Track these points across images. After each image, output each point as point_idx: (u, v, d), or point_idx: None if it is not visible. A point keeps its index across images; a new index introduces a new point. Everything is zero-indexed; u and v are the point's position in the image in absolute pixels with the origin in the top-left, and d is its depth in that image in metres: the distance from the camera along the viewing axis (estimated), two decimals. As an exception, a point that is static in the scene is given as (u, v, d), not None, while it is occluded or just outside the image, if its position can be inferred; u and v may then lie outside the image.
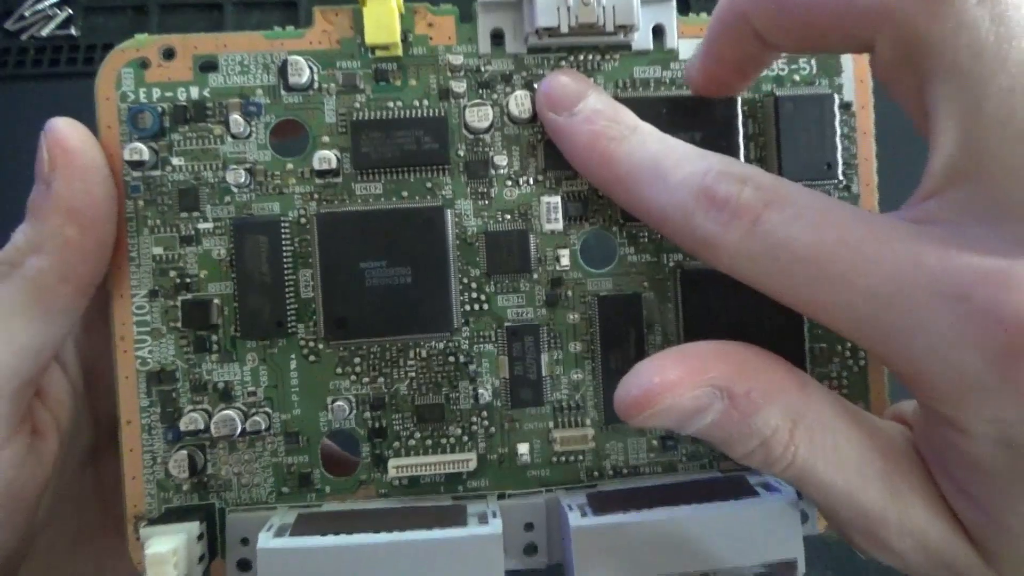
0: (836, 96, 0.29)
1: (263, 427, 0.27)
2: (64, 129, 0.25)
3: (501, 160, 0.28)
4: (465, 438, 0.28)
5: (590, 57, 0.28)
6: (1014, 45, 0.18)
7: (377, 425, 0.28)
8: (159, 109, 0.27)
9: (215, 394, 0.27)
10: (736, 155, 0.28)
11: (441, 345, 0.28)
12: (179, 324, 0.27)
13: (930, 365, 0.19)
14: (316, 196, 0.27)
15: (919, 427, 0.22)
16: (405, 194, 0.28)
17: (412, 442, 0.28)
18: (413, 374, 0.28)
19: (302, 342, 0.27)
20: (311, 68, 0.27)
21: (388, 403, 0.28)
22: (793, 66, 0.29)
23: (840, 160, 0.28)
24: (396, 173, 0.28)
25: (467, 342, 0.28)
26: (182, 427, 0.27)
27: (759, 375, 0.22)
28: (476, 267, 0.28)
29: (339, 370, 0.28)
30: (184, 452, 0.27)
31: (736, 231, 0.21)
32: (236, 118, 0.27)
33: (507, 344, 0.28)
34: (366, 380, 0.28)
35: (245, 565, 0.27)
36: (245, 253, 0.27)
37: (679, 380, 0.21)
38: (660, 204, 0.23)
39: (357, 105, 0.28)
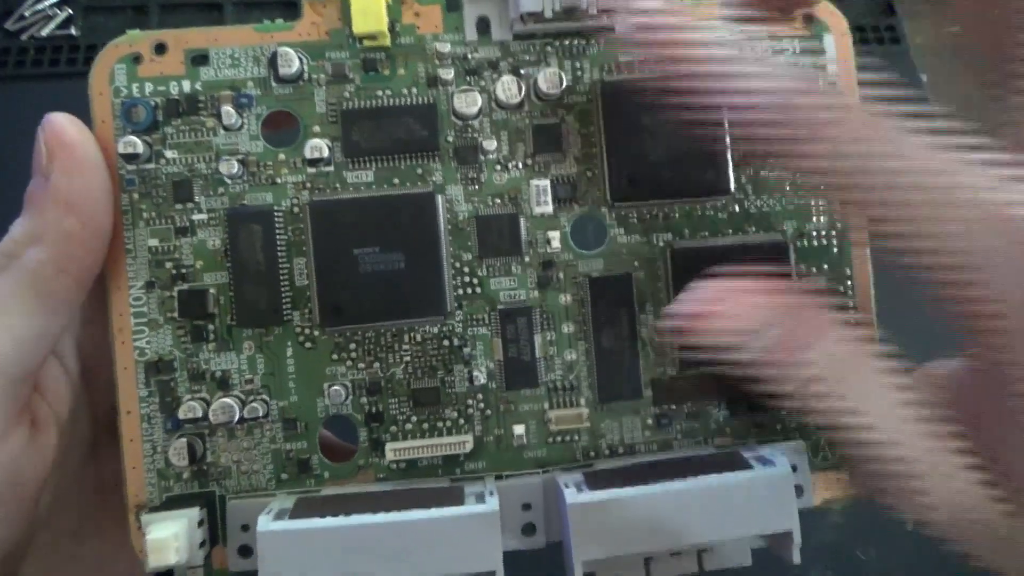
0: (820, 75, 0.29)
1: (261, 414, 0.27)
2: (61, 123, 0.25)
3: (490, 145, 0.28)
4: (461, 421, 0.28)
5: (575, 42, 0.29)
6: None
7: (374, 410, 0.28)
8: (152, 103, 0.27)
9: (213, 383, 0.27)
10: (722, 138, 0.28)
11: (435, 329, 0.28)
12: (176, 314, 0.27)
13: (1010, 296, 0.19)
14: (308, 185, 0.28)
15: (964, 379, 0.23)
16: (396, 181, 0.28)
17: (409, 426, 0.28)
18: (408, 358, 0.28)
19: (298, 329, 0.28)
20: (301, 59, 0.28)
21: (384, 388, 0.28)
22: (777, 47, 0.29)
23: (825, 137, 0.29)
24: (387, 160, 0.28)
25: (461, 325, 0.28)
26: (181, 416, 0.27)
27: (811, 312, 0.22)
28: (468, 251, 0.28)
29: (335, 356, 0.28)
30: (183, 440, 0.27)
31: (850, 122, 0.20)
32: (228, 110, 0.27)
33: (500, 327, 0.28)
34: (362, 365, 0.28)
35: (246, 551, 0.27)
36: (240, 243, 0.27)
37: (739, 297, 0.22)
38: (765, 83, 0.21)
39: (347, 95, 0.28)
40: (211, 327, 0.28)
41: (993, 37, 0.21)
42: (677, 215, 0.29)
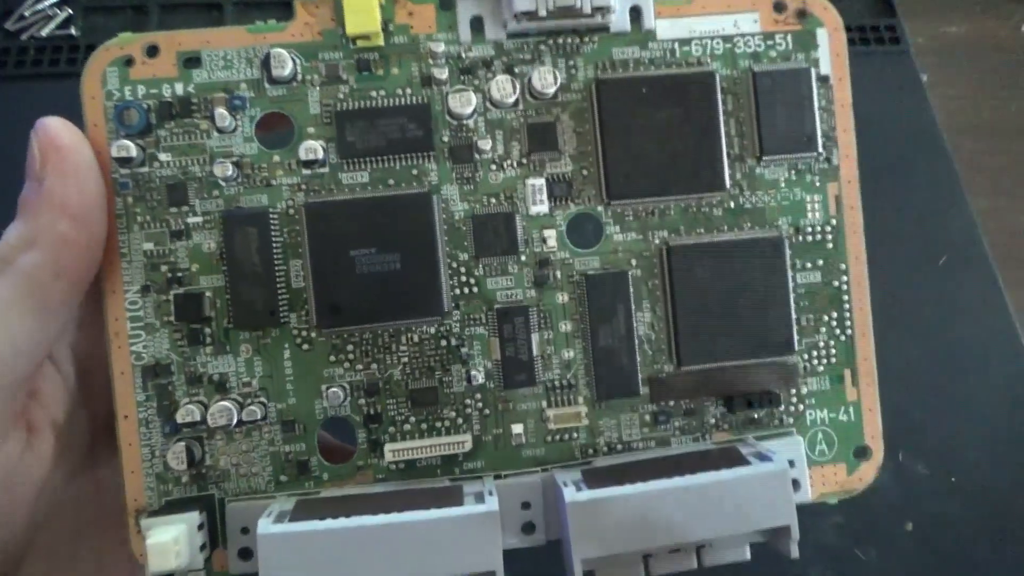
0: (813, 70, 0.29)
1: (259, 416, 0.27)
2: (54, 127, 0.25)
3: (485, 144, 0.28)
4: (460, 420, 0.28)
5: (569, 40, 0.29)
6: None
7: (372, 411, 0.28)
8: (145, 106, 0.27)
9: (211, 386, 0.27)
10: (716, 132, 0.28)
11: (432, 329, 0.28)
12: (172, 318, 0.27)
13: None
14: (303, 187, 0.28)
15: None
16: (392, 181, 0.28)
17: (407, 426, 0.28)
18: (406, 359, 0.28)
19: (295, 331, 0.28)
20: (294, 60, 0.27)
21: (382, 388, 0.28)
22: (770, 42, 0.29)
23: (820, 133, 0.29)
24: (382, 161, 0.28)
25: (458, 325, 0.28)
26: (179, 419, 0.27)
27: None
28: (464, 251, 0.28)
29: (332, 358, 0.28)
30: (182, 444, 0.27)
31: None
32: (221, 112, 0.27)
33: (498, 326, 0.28)
34: (359, 367, 0.28)
35: (247, 554, 0.27)
36: (235, 245, 0.27)
37: None
38: None
39: (341, 95, 0.28)
40: (208, 330, 0.27)
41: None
42: (673, 212, 0.29)
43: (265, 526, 0.24)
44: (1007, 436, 0.47)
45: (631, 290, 0.28)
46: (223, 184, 0.27)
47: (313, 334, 0.28)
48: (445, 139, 0.28)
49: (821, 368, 0.29)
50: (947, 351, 0.48)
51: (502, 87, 0.28)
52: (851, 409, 0.29)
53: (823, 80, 0.29)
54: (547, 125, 0.28)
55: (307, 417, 0.28)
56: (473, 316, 0.28)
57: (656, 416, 0.29)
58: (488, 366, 0.28)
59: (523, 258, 0.28)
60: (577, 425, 0.28)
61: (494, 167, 0.28)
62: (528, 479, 0.28)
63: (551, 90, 0.28)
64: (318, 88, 0.28)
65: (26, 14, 0.50)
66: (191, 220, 0.27)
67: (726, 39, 0.29)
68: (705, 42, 0.29)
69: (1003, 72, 0.60)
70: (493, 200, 0.28)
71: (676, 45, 0.29)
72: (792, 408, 0.29)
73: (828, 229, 0.29)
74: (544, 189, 0.28)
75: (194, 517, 0.26)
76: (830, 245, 0.29)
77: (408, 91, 0.28)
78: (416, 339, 0.28)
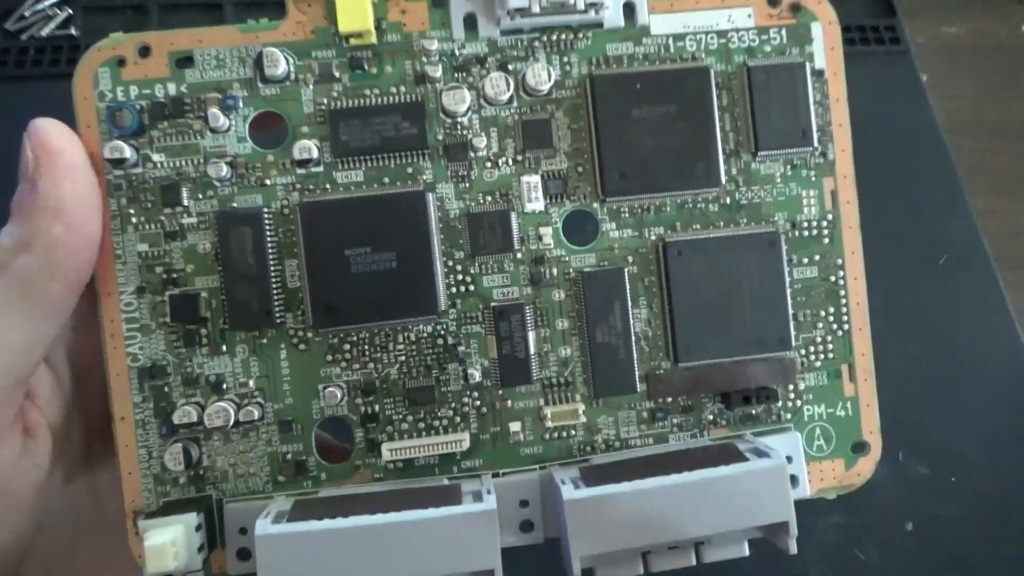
0: (808, 64, 0.29)
1: (256, 417, 0.27)
2: (47, 129, 0.25)
3: (480, 142, 0.28)
4: (457, 419, 0.28)
5: (563, 36, 0.28)
6: None
7: (369, 410, 0.28)
8: (137, 106, 0.27)
9: (207, 387, 0.27)
10: (711, 128, 0.28)
11: (429, 328, 0.28)
12: (168, 319, 0.27)
13: None
14: (298, 186, 0.28)
15: None
16: (386, 180, 0.28)
17: (405, 425, 0.28)
18: (403, 358, 0.28)
19: (291, 331, 0.28)
20: (287, 59, 0.27)
21: (379, 388, 0.28)
22: (764, 36, 0.29)
23: (815, 127, 0.29)
24: (376, 160, 0.28)
25: (454, 324, 0.28)
26: (176, 421, 0.27)
27: None
28: (460, 249, 0.28)
29: (329, 357, 0.28)
30: (179, 445, 0.27)
31: None
32: (215, 112, 0.27)
33: (494, 324, 0.28)
34: (356, 366, 0.28)
35: (245, 554, 0.27)
36: (230, 246, 0.27)
37: None
38: None
39: (334, 94, 0.28)
40: (204, 331, 0.27)
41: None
42: (668, 208, 0.29)
43: (263, 527, 0.24)
44: (1007, 436, 0.47)
45: (627, 287, 0.28)
46: (217, 184, 0.27)
47: (310, 334, 0.28)
48: (439, 137, 0.28)
49: (818, 364, 0.29)
50: (947, 351, 0.48)
51: (496, 84, 0.28)
52: (849, 404, 0.29)
53: (818, 74, 0.29)
54: (542, 122, 0.28)
55: (304, 417, 0.28)
56: (469, 314, 0.28)
57: (653, 413, 0.29)
58: (485, 364, 0.28)
59: (519, 256, 0.28)
60: (575, 423, 0.28)
61: (489, 165, 0.28)
62: (526, 477, 0.28)
63: (545, 87, 0.28)
64: (311, 87, 0.28)
65: (26, 14, 0.50)
66: (185, 221, 0.27)
67: (720, 34, 0.29)
68: (699, 37, 0.29)
69: (1003, 72, 0.60)
70: (488, 198, 0.28)
71: (670, 40, 0.29)
72: (790, 404, 0.29)
73: (824, 224, 0.29)
74: (539, 186, 0.28)
75: (192, 518, 0.26)
76: (826, 240, 0.29)
77: (402, 89, 0.28)
78: (413, 338, 0.28)
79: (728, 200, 0.29)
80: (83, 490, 0.28)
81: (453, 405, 0.28)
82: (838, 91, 0.29)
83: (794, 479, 0.28)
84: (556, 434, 0.29)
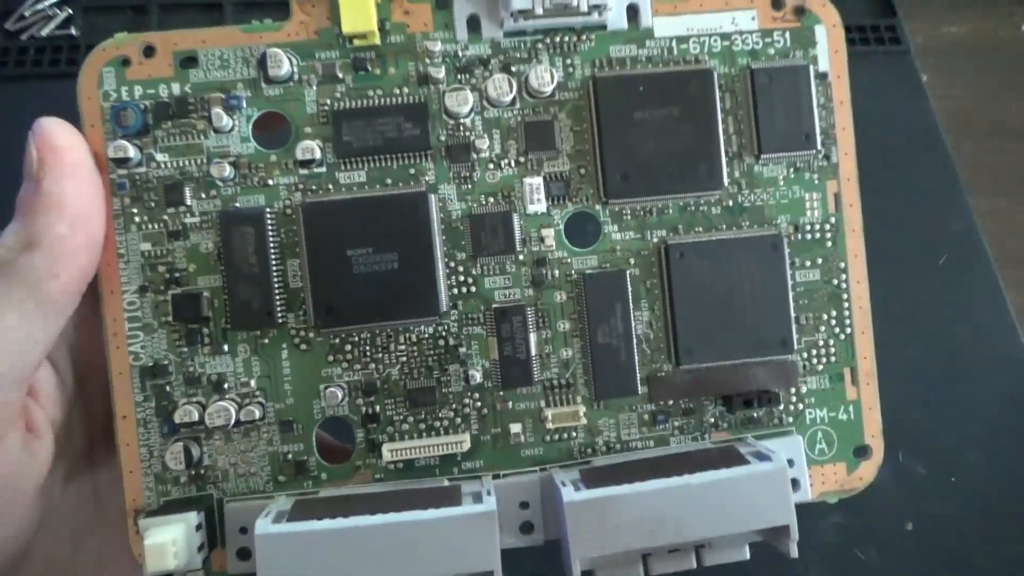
0: (811, 67, 0.29)
1: (257, 417, 0.27)
2: (52, 128, 0.25)
3: (482, 143, 0.28)
4: (458, 420, 0.28)
5: (566, 39, 0.28)
6: None
7: (370, 411, 0.28)
8: (141, 106, 0.27)
9: (208, 386, 0.27)
10: (714, 130, 0.28)
11: (430, 329, 0.28)
12: (170, 318, 0.27)
13: None
14: (300, 186, 0.28)
15: None
16: (389, 181, 0.28)
17: (405, 426, 0.28)
18: (404, 359, 0.28)
19: (292, 331, 0.28)
20: (290, 60, 0.27)
21: (380, 388, 0.28)
22: (768, 39, 0.29)
23: (818, 130, 0.29)
24: (379, 160, 0.28)
25: (456, 325, 0.28)
26: (177, 420, 0.27)
27: None
28: (462, 250, 0.28)
29: (330, 358, 0.28)
30: (180, 444, 0.27)
31: None
32: (218, 112, 0.27)
33: (495, 325, 0.28)
34: (357, 367, 0.28)
35: (245, 554, 0.27)
36: (232, 245, 0.27)
37: None
38: None
39: (338, 95, 0.28)
40: (206, 331, 0.27)
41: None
42: (671, 211, 0.29)
43: (263, 526, 0.24)
44: (1007, 436, 0.47)
45: (629, 289, 0.28)
46: (220, 184, 0.27)
47: (311, 334, 0.28)
48: (442, 138, 0.28)
49: (820, 367, 0.29)
50: (947, 351, 0.48)
51: (499, 86, 0.28)
52: (851, 408, 0.29)
53: (822, 77, 0.29)
54: (544, 124, 0.28)
55: (305, 417, 0.28)
56: (471, 316, 0.28)
57: (655, 415, 0.29)
58: (486, 366, 0.28)
59: (521, 257, 0.28)
60: (575, 424, 0.28)
61: (491, 166, 0.28)
62: (526, 479, 0.28)
63: (548, 88, 0.28)
64: (315, 87, 0.28)
65: (26, 14, 0.50)
66: (188, 220, 0.27)
67: (724, 36, 0.29)
68: (703, 39, 0.29)
69: (1003, 72, 0.60)
70: (490, 199, 0.28)
71: (674, 43, 0.29)
72: (791, 407, 0.29)
73: (827, 227, 0.29)
74: (542, 188, 0.28)
75: (192, 518, 0.26)
76: (829, 243, 0.29)
77: (405, 90, 0.28)
78: (414, 339, 0.28)
79: (731, 203, 0.29)
80: (84, 488, 0.28)
81: (454, 406, 0.28)
82: (842, 94, 0.29)
83: (795, 482, 0.28)
84: (557, 436, 0.29)
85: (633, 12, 0.29)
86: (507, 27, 0.28)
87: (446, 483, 0.27)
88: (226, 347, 0.27)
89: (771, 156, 0.29)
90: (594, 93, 0.28)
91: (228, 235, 0.27)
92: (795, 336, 0.29)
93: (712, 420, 0.29)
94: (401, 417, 0.28)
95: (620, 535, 0.25)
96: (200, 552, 0.26)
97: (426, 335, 0.28)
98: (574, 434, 0.29)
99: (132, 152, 0.27)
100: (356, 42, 0.28)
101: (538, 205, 0.28)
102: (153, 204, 0.27)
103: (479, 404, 0.28)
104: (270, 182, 0.28)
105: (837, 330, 0.29)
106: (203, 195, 0.27)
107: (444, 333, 0.28)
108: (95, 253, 0.26)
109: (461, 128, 0.28)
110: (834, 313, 0.29)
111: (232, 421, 0.27)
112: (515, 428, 0.28)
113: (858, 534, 0.43)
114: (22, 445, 0.25)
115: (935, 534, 0.44)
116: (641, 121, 0.28)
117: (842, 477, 0.29)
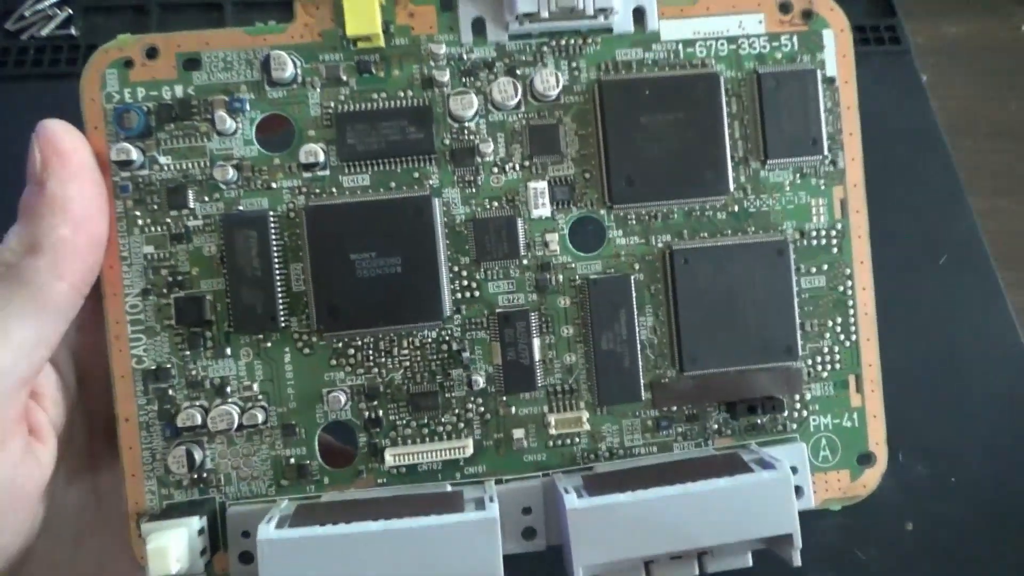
0: (819, 72, 0.29)
1: (260, 420, 0.27)
2: (55, 130, 0.25)
3: (487, 147, 0.28)
4: (460, 425, 0.28)
5: (572, 42, 0.28)
6: None
7: (373, 415, 0.28)
8: (144, 108, 0.27)
9: (211, 390, 0.27)
10: (720, 135, 0.28)
11: (433, 333, 0.28)
12: (173, 321, 0.27)
13: None
14: (304, 190, 0.28)
15: None
16: (392, 185, 0.28)
17: (408, 431, 0.28)
18: (407, 363, 0.28)
19: (295, 335, 0.28)
20: (294, 62, 0.27)
21: (383, 393, 0.28)
22: (775, 43, 0.29)
23: (825, 135, 0.29)
24: (382, 164, 0.28)
25: (459, 329, 0.28)
26: (179, 423, 0.27)
27: None
28: (465, 255, 0.28)
29: (333, 361, 0.28)
30: (182, 448, 0.27)
31: None
32: (221, 115, 0.27)
33: (499, 330, 0.28)
34: (360, 371, 0.28)
35: (247, 558, 0.27)
36: (235, 249, 0.27)
37: None
38: None
39: (341, 97, 0.28)
40: (208, 334, 0.27)
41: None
42: (676, 216, 0.29)
43: (265, 531, 0.24)
44: (1007, 436, 0.47)
45: (633, 294, 0.28)
46: (223, 187, 0.27)
47: (314, 338, 0.28)
48: (446, 142, 0.28)
49: (825, 374, 0.29)
50: (947, 351, 0.48)
51: (504, 89, 0.28)
52: (855, 415, 0.29)
53: (829, 82, 0.29)
54: (549, 128, 0.28)
55: (308, 421, 0.28)
56: (474, 320, 0.28)
57: (658, 421, 0.29)
58: (489, 371, 0.28)
59: (525, 262, 0.28)
60: (578, 430, 0.28)
61: (496, 170, 0.28)
62: (529, 484, 0.28)
63: (553, 92, 0.28)
64: (318, 90, 0.28)
65: (26, 14, 0.50)
66: (191, 223, 0.27)
67: (731, 40, 0.29)
68: (709, 43, 0.29)
69: (1003, 72, 0.60)
70: (495, 203, 0.28)
71: (680, 46, 0.29)
72: (795, 414, 0.29)
73: (833, 233, 0.29)
74: (546, 192, 0.28)
75: (194, 522, 0.26)
76: (835, 249, 0.29)
77: (409, 93, 0.28)
78: (417, 343, 0.28)
79: (736, 208, 0.29)
80: (86, 492, 0.28)
81: (457, 411, 0.28)
82: (849, 99, 0.29)
83: (799, 490, 0.28)
84: (560, 441, 0.28)
85: (639, 15, 0.28)
86: (512, 30, 0.28)
87: (448, 488, 0.27)
88: (229, 351, 0.27)
89: (777, 161, 0.29)
90: (599, 97, 0.28)
91: (231, 238, 0.27)
92: (800, 342, 0.29)
93: (716, 426, 0.29)
94: (404, 422, 0.28)
95: (623, 542, 0.25)
96: (202, 556, 0.26)
97: (429, 339, 0.28)
98: (577, 440, 0.29)
99: (135, 154, 0.27)
100: (360, 45, 0.28)
101: (542, 209, 0.28)
102: (156, 207, 0.27)
103: (482, 409, 0.28)
104: (273, 185, 0.28)
105: (842, 337, 0.29)
106: (206, 198, 0.27)
107: (447, 338, 0.28)
108: (98, 256, 0.26)
109: (465, 132, 0.28)
110: (839, 320, 0.29)
111: (235, 425, 0.27)
112: (518, 433, 0.28)
113: (858, 534, 0.43)
114: (25, 448, 0.25)
115: (935, 534, 0.44)
116: (646, 125, 0.28)
117: (845, 484, 0.29)
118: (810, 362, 0.29)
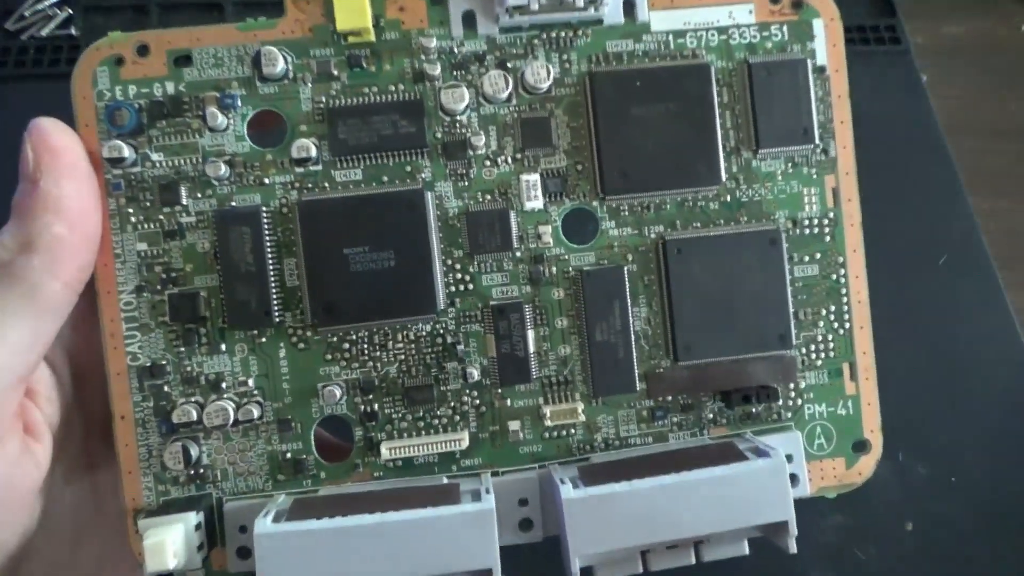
0: (809, 61, 0.29)
1: (256, 416, 0.27)
2: (48, 128, 0.25)
3: (478, 140, 0.28)
4: (456, 418, 0.28)
5: (562, 34, 0.28)
6: None
7: (368, 409, 0.28)
8: (136, 105, 0.27)
9: (206, 386, 0.27)
10: (712, 125, 0.28)
11: (428, 327, 0.28)
12: (167, 318, 0.27)
13: None
14: (296, 185, 0.28)
15: None
16: (385, 179, 0.28)
17: (404, 424, 0.28)
18: (402, 357, 0.28)
19: (290, 330, 0.28)
20: (285, 58, 0.27)
21: (378, 387, 0.28)
22: (765, 33, 0.29)
23: (816, 124, 0.29)
24: (375, 158, 0.28)
25: (453, 322, 0.28)
26: (175, 419, 0.27)
27: None
28: (459, 248, 0.28)
29: (328, 356, 0.28)
30: (179, 444, 0.27)
31: None
32: (213, 111, 0.27)
33: (493, 323, 0.28)
34: (355, 365, 0.28)
35: (245, 552, 0.27)
36: (229, 245, 0.27)
37: None
38: None
39: (333, 92, 0.28)
40: (203, 330, 0.27)
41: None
42: (668, 206, 0.29)
43: (262, 525, 0.24)
44: (1007, 436, 0.47)
45: (627, 285, 0.28)
46: (216, 183, 0.27)
47: (308, 333, 0.28)
48: (438, 135, 0.28)
49: (819, 362, 0.29)
50: (947, 351, 0.48)
51: (495, 82, 0.28)
52: (850, 403, 0.29)
53: (820, 71, 0.29)
54: (541, 120, 0.28)
55: (303, 416, 0.28)
56: (468, 313, 0.28)
57: (653, 412, 0.29)
58: (484, 363, 0.28)
59: (518, 254, 0.28)
60: (574, 421, 0.28)
61: (488, 163, 0.28)
62: (525, 476, 0.28)
63: (544, 84, 0.28)
64: (310, 85, 0.28)
65: (26, 14, 0.50)
66: (184, 220, 0.27)
67: (721, 31, 0.29)
68: (700, 34, 0.29)
69: (1003, 72, 0.60)
70: (487, 196, 0.28)
71: (670, 37, 0.29)
72: (790, 402, 0.29)
73: (826, 222, 0.29)
74: (538, 185, 0.28)
75: (191, 517, 0.26)
76: (828, 238, 0.29)
77: (400, 87, 0.28)
78: (412, 337, 0.28)
79: (729, 198, 0.29)
80: (83, 489, 0.28)
81: (452, 404, 0.28)
82: (840, 88, 0.29)
83: (794, 478, 0.28)
84: (555, 433, 0.29)
85: (629, 7, 0.28)
86: (503, 23, 0.28)
87: (445, 481, 0.27)
88: (223, 346, 0.27)
89: (769, 151, 0.29)
90: (591, 89, 0.28)
91: (224, 234, 0.27)
92: (794, 331, 0.29)
93: (711, 416, 0.29)
94: (399, 415, 0.28)
95: (619, 532, 0.25)
96: (200, 551, 0.26)
97: (424, 333, 0.28)
98: (572, 431, 0.29)
99: (127, 152, 0.27)
100: (351, 39, 0.28)
101: (535, 202, 0.28)
102: (149, 204, 0.27)
103: (477, 402, 0.28)
104: (266, 181, 0.28)
105: (836, 325, 0.29)
106: (199, 194, 0.27)
107: (442, 331, 0.28)
108: (92, 253, 0.26)
109: (457, 125, 0.28)
110: (833, 308, 0.29)
111: (230, 420, 0.27)
112: (513, 425, 0.28)
113: (858, 534, 0.43)
114: (21, 446, 0.25)
115: (935, 534, 0.44)
116: (638, 116, 0.28)
117: (841, 472, 0.29)
118: (804, 350, 0.29)
